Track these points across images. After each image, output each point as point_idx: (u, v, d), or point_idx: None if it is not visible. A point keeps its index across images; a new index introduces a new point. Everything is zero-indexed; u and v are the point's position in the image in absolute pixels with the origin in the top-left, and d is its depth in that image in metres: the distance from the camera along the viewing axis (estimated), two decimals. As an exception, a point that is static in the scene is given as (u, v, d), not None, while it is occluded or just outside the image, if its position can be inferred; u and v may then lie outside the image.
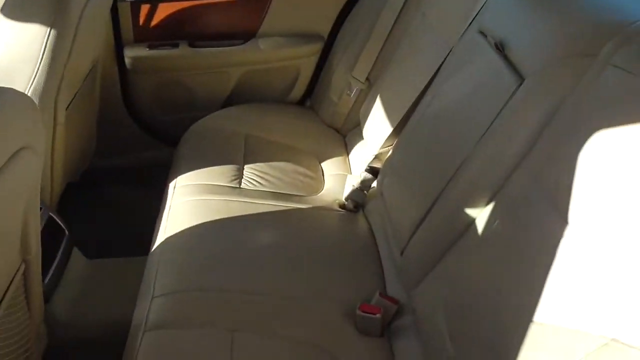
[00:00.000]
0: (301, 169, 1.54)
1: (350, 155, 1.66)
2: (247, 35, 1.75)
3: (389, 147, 1.42)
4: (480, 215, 0.95)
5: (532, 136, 0.90)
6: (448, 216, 1.03)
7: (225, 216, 1.29)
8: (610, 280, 0.67)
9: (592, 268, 0.70)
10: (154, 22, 1.67)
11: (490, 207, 0.94)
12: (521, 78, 0.96)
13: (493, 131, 0.99)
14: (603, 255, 0.69)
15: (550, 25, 1.00)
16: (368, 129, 1.59)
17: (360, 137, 1.64)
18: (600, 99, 0.79)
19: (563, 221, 0.75)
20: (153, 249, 1.21)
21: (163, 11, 1.66)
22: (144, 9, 1.64)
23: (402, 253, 1.13)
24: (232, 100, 1.83)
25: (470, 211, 0.97)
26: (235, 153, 1.54)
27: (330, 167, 1.60)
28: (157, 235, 1.25)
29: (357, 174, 1.52)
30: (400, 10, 1.55)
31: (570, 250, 0.73)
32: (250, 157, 1.53)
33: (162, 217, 1.31)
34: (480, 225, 0.95)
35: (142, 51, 1.68)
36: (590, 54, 0.83)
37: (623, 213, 0.68)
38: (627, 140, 0.71)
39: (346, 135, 1.76)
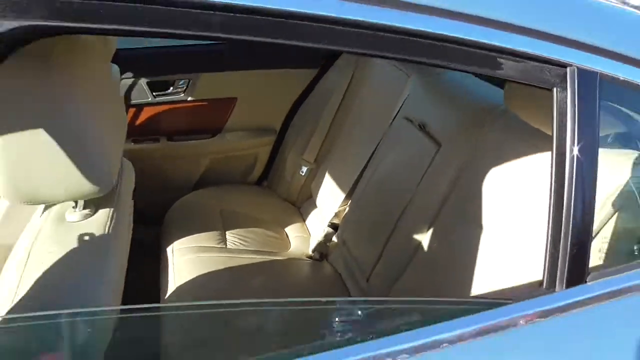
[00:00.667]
0: (270, 233, 1.88)
1: (307, 222, 2.03)
2: (215, 130, 2.13)
3: (343, 207, 1.82)
4: (423, 240, 1.36)
5: (450, 183, 1.35)
6: (400, 246, 1.42)
7: (221, 267, 1.59)
8: (507, 260, 1.09)
9: (496, 255, 1.12)
10: (138, 121, 2.01)
11: (429, 233, 1.35)
12: (438, 145, 1.42)
13: (423, 183, 1.43)
14: (504, 245, 1.11)
15: (453, 107, 1.49)
16: (321, 198, 1.99)
17: (313, 207, 2.03)
18: (491, 155, 1.25)
19: (479, 228, 1.18)
20: (167, 296, 1.47)
21: (147, 112, 2.01)
22: (131, 111, 1.98)
23: (367, 280, 1.50)
24: (201, 182, 2.16)
25: (416, 237, 1.37)
26: (215, 223, 1.85)
27: (292, 231, 1.96)
28: (166, 287, 1.51)
29: (315, 234, 1.89)
30: (339, 106, 2.02)
31: (484, 247, 1.16)
32: (228, 226, 1.85)
33: (167, 272, 1.57)
34: (424, 247, 1.35)
35: (127, 145, 2.00)
36: (479, 125, 1.31)
37: (513, 220, 1.12)
38: (509, 179, 1.17)
39: (300, 206, 2.14)
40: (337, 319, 0.66)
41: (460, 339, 0.61)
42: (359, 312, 0.68)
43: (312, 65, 2.18)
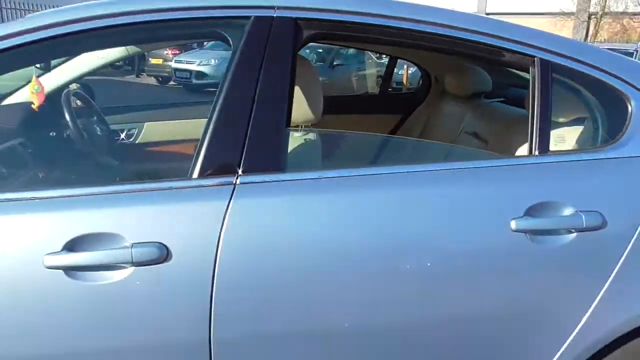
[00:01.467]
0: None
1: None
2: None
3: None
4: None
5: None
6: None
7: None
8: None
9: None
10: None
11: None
12: (487, 142, 2.21)
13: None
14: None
15: (494, 120, 2.27)
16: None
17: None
18: (519, 142, 2.02)
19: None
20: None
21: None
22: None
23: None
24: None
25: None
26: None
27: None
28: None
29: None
30: (423, 128, 2.87)
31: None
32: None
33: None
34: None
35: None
36: (511, 127, 2.09)
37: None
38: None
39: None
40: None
41: (472, 167, 1.39)
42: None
43: (397, 112, 3.07)
